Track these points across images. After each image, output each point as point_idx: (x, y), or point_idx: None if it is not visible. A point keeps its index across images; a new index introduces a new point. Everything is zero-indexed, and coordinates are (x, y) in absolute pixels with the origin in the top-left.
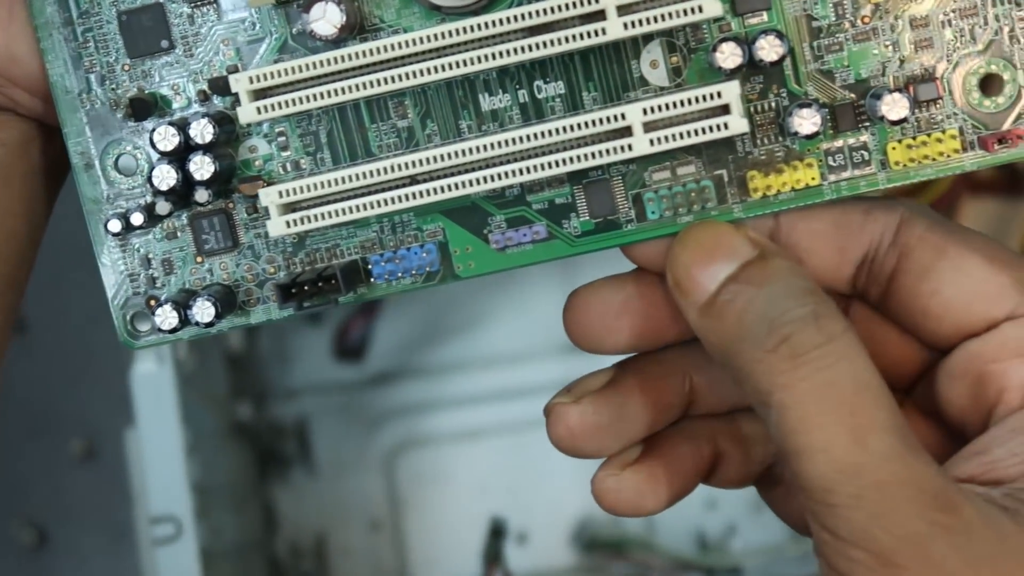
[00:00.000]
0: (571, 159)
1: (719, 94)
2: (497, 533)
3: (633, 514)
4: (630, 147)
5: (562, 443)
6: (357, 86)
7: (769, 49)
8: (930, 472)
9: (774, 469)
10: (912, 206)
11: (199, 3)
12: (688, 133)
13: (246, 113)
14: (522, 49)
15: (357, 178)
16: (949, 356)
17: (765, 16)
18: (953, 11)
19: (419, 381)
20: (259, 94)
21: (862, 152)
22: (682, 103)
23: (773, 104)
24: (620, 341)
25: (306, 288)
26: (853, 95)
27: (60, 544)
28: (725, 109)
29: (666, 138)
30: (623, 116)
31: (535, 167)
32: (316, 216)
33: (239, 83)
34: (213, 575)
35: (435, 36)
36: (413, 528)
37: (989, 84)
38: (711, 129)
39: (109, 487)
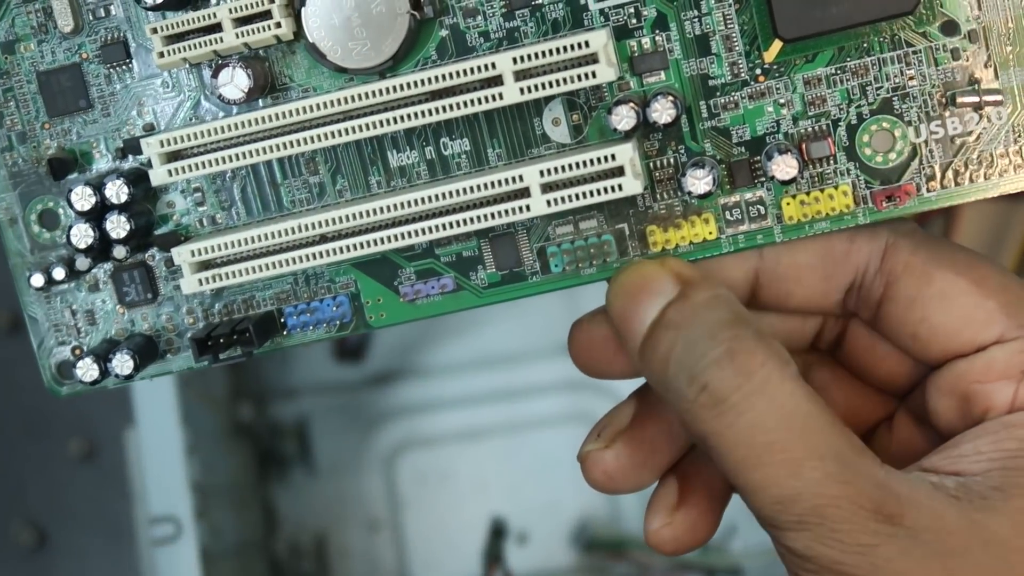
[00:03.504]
0: (474, 219)
1: (613, 156)
2: (498, 533)
3: (695, 549)
4: (528, 208)
5: (601, 487)
6: (267, 148)
7: (662, 111)
8: (868, 486)
9: None
10: (898, 229)
11: (115, 64)
12: (584, 194)
13: (157, 176)
14: (425, 112)
15: (268, 237)
16: (937, 371)
17: (663, 75)
18: (845, 70)
19: (419, 381)
20: (171, 156)
21: (758, 207)
22: (577, 165)
23: (672, 160)
24: (625, 369)
25: (221, 341)
26: (749, 152)
27: (60, 544)
28: (620, 171)
29: (563, 199)
30: (521, 178)
31: (440, 226)
32: (228, 274)
33: (150, 147)
34: (213, 575)
35: (343, 100)
36: (413, 528)
37: (880, 141)
38: (606, 190)
39: (109, 487)
